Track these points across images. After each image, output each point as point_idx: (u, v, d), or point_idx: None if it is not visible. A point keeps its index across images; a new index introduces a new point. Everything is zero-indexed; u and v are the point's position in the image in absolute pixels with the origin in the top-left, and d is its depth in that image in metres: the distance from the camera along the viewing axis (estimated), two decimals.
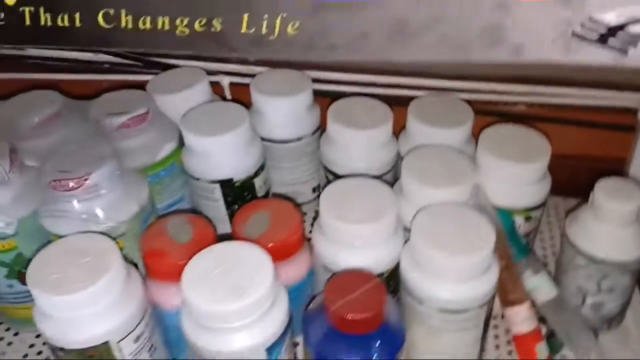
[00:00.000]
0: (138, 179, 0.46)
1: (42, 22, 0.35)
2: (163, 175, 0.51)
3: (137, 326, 0.38)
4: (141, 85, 0.54)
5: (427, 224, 0.40)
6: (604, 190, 0.43)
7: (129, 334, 0.38)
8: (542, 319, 0.45)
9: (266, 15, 0.34)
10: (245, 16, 0.34)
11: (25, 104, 0.50)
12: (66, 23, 0.35)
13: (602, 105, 0.56)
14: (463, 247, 0.38)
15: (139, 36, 0.36)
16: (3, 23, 0.36)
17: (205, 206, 0.51)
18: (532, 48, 0.34)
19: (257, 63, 0.60)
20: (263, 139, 0.52)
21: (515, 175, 0.45)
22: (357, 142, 0.50)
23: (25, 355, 0.48)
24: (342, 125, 0.50)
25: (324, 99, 0.55)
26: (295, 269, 0.43)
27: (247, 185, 0.50)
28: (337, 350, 0.36)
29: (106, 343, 0.37)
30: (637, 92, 0.54)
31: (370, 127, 0.49)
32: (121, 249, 0.39)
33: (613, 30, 0.32)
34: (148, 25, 0.35)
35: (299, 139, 0.54)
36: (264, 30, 0.34)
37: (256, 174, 0.51)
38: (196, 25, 0.35)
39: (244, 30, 0.35)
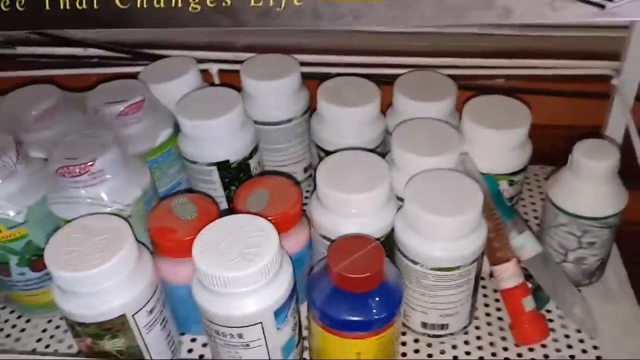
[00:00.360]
0: (140, 165, 0.48)
1: (62, 6, 0.37)
2: (161, 161, 0.52)
3: (150, 299, 0.41)
4: (131, 77, 0.55)
5: (419, 189, 0.42)
6: (583, 150, 0.45)
7: (143, 307, 0.40)
8: (528, 276, 0.47)
9: None
10: None
11: (24, 98, 0.52)
12: (85, 6, 0.37)
13: (578, 75, 0.59)
14: (453, 208, 0.41)
15: (154, 15, 0.37)
16: (23, 9, 0.37)
17: (202, 189, 0.53)
18: (520, 9, 0.36)
19: (244, 49, 0.62)
20: (254, 122, 0.54)
21: (499, 141, 0.47)
22: (347, 119, 0.52)
23: (39, 340, 0.49)
24: (333, 103, 0.52)
25: (312, 81, 0.57)
26: (295, 241, 0.46)
27: (242, 167, 0.52)
28: (341, 307, 0.38)
29: (123, 316, 0.39)
30: (610, 61, 0.57)
31: (360, 104, 0.51)
32: None
33: None
34: (162, 4, 0.37)
35: (289, 120, 0.56)
36: (271, 3, 0.36)
37: (251, 155, 0.52)
38: (207, 1, 0.36)
39: (252, 3, 0.36)
